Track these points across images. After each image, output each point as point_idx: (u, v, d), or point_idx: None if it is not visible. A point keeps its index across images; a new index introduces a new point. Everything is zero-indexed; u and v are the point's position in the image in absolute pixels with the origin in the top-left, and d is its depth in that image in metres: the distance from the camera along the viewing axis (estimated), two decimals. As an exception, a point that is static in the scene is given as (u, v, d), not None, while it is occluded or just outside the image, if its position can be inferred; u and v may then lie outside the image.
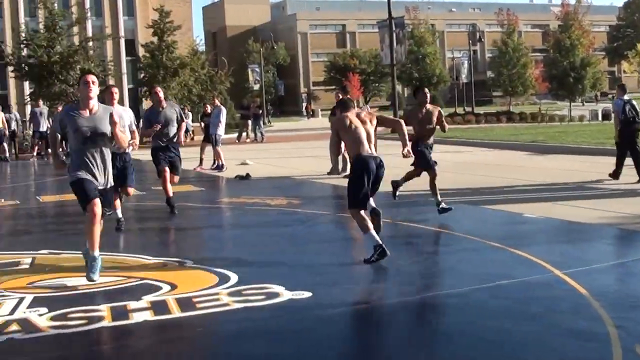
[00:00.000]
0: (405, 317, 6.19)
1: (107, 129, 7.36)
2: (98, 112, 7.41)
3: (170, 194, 12.22)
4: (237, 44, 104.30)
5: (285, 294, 6.67)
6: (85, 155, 7.34)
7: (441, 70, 69.74)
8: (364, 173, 8.15)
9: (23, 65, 37.54)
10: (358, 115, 8.52)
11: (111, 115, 7.41)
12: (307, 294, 6.64)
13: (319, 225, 11.36)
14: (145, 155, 15.27)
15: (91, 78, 7.45)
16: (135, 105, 52.96)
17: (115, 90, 10.28)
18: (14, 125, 30.02)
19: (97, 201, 7.28)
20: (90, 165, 7.36)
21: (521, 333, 5.48)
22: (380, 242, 7.91)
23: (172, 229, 11.59)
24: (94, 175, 7.37)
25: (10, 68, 40.12)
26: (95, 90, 7.38)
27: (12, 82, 49.33)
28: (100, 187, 7.41)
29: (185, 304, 6.50)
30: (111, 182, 7.68)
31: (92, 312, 6.30)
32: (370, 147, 8.29)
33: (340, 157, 17.97)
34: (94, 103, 7.41)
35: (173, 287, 7.18)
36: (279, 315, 6.14)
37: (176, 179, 12.46)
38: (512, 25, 66.90)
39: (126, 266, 8.38)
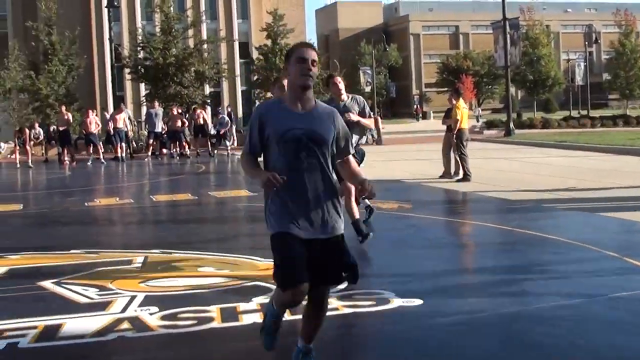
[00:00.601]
0: (518, 327, 5.94)
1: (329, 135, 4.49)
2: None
3: (357, 216, 9.33)
4: (349, 46, 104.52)
5: (396, 301, 6.49)
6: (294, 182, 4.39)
7: (556, 72, 68.03)
8: None
9: (139, 67, 38.58)
10: None
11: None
12: (417, 301, 6.46)
13: (430, 230, 11.14)
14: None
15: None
16: (248, 107, 53.74)
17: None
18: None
19: (304, 288, 4.37)
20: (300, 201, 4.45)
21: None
22: None
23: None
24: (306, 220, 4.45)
25: (127, 70, 41.27)
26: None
27: (128, 84, 50.72)
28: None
29: (294, 307, 6.42)
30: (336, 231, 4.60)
31: (202, 312, 6.28)
32: None
33: (452, 160, 17.72)
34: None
35: (282, 289, 7.10)
36: (389, 322, 5.99)
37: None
38: (630, 26, 64.80)
39: (237, 267, 8.39)
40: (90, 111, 29.77)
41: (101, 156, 27.98)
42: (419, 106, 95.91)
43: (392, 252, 9.34)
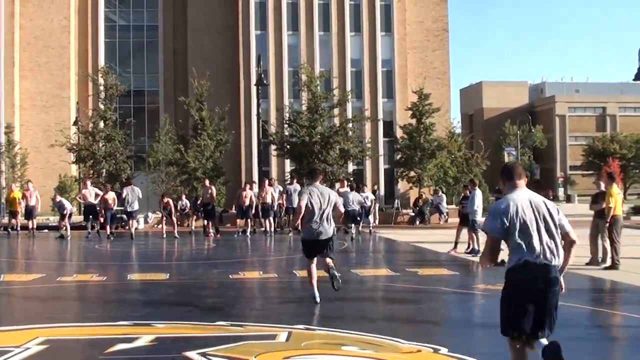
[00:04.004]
0: None
1: None
2: None
3: None
4: (493, 126, 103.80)
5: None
6: None
7: None
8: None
9: (285, 144, 39.36)
10: None
11: None
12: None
13: (578, 320, 10.59)
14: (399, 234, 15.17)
15: None
16: (390, 186, 53.85)
17: None
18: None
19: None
20: None
21: None
22: None
23: (425, 313, 11.29)
24: None
25: (273, 146, 42.19)
26: None
27: (274, 160, 51.87)
28: None
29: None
30: None
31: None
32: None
33: (599, 247, 17.01)
34: None
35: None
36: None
37: None
38: None
39: (380, 347, 8.20)
40: (247, 185, 30.33)
41: (248, 229, 28.43)
42: (552, 190, 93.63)
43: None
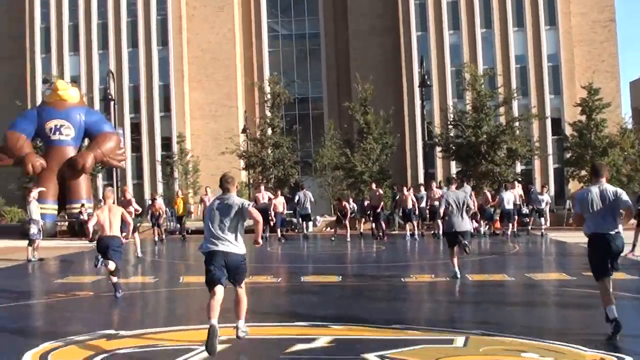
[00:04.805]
0: None
1: None
2: None
3: None
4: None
5: None
6: None
7: None
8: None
9: (451, 145, 38.97)
10: None
11: None
12: None
13: None
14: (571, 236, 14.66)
15: None
16: (559, 186, 52.31)
17: None
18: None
19: None
20: None
21: None
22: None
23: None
24: None
25: (438, 148, 41.90)
26: None
27: (439, 162, 51.51)
28: None
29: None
30: None
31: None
32: None
33: None
34: None
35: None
36: None
37: None
38: None
39: (562, 355, 7.95)
40: (405, 188, 30.29)
41: (415, 231, 28.32)
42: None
43: None
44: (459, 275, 14.53)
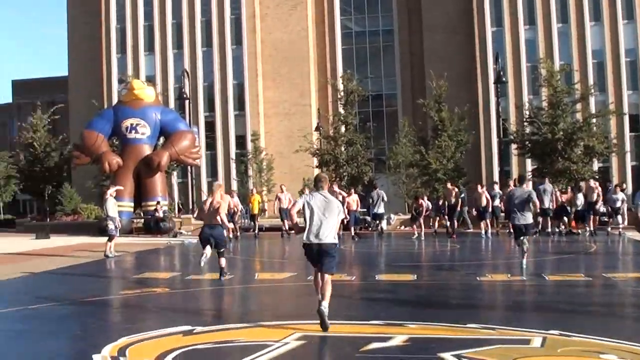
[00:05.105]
0: None
1: None
2: None
3: None
4: None
5: None
6: None
7: None
8: None
9: (526, 142, 38.39)
10: None
11: None
12: None
13: None
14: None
15: None
16: (638, 184, 51.08)
17: None
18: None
19: None
20: None
21: None
22: None
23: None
24: None
25: (513, 145, 41.34)
26: None
27: (514, 159, 50.78)
28: None
29: None
30: None
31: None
32: None
33: None
34: None
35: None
36: None
37: None
38: None
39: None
40: (479, 186, 30.04)
41: (488, 229, 28.04)
42: None
43: None
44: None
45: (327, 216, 9.67)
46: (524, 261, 16.11)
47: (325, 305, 9.27)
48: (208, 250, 15.35)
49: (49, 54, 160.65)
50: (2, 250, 25.07)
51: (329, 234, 9.65)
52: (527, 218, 16.32)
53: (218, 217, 15.15)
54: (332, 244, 9.71)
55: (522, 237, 16.20)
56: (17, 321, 10.90)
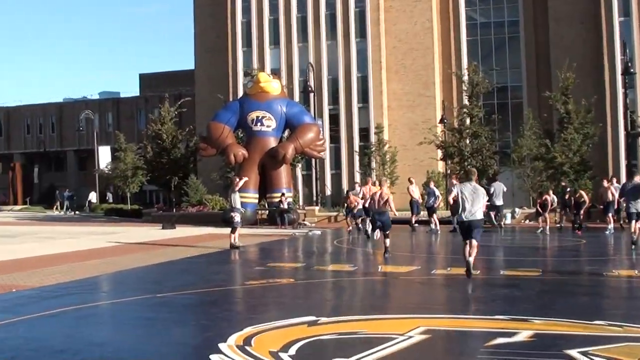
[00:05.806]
0: None
1: None
2: None
3: None
4: None
5: None
6: None
7: None
8: None
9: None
10: None
11: None
12: None
13: None
14: None
15: None
16: None
17: None
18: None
19: None
20: None
21: None
22: None
23: None
24: None
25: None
26: None
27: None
28: None
29: None
30: None
31: None
32: None
33: None
34: None
35: None
36: None
37: None
38: None
39: None
40: (605, 180, 29.39)
41: (611, 225, 27.34)
42: None
43: None
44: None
45: (475, 200, 13.69)
46: None
47: (471, 260, 13.62)
48: (377, 232, 20.41)
49: (176, 48, 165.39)
50: (132, 239, 26.15)
51: (476, 213, 13.70)
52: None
53: (386, 206, 19.09)
54: (479, 220, 13.93)
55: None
56: (146, 309, 11.43)
